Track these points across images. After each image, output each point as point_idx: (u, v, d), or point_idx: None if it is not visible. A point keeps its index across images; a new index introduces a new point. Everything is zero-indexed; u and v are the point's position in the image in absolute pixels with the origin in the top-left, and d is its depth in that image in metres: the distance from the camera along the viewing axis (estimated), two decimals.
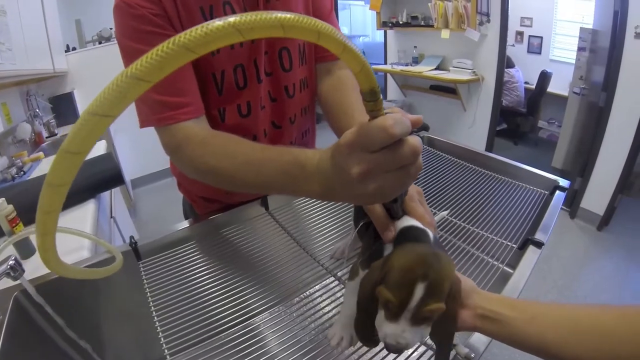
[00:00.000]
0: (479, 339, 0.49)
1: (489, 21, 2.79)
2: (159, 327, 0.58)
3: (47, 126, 2.56)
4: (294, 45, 0.73)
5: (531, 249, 0.69)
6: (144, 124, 0.62)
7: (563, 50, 3.74)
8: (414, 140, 0.32)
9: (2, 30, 1.51)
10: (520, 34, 4.07)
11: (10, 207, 0.93)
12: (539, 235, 0.72)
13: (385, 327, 0.37)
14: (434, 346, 0.49)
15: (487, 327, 0.38)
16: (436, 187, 0.95)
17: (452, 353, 0.47)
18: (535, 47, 4.00)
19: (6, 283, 0.71)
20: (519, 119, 3.98)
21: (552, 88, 3.75)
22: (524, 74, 3.94)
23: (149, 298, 0.64)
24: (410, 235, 0.41)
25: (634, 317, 0.32)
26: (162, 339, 0.55)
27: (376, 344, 0.45)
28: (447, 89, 3.34)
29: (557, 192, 0.91)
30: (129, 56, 0.60)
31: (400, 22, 3.54)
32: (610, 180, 2.24)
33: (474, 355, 0.46)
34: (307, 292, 0.70)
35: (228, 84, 0.67)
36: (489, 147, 3.16)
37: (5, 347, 0.60)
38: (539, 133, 4.04)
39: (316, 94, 0.82)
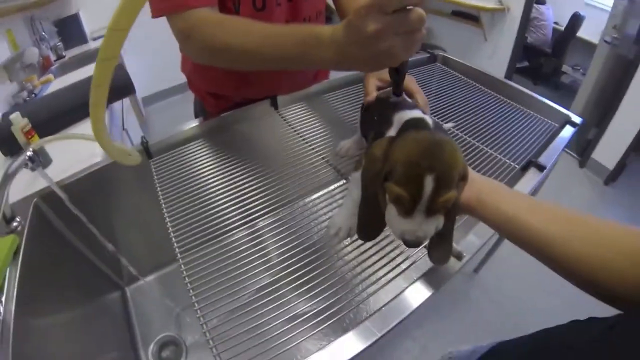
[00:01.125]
0: (471, 243, 0.52)
1: None
2: (170, 227, 0.61)
3: (55, 49, 2.51)
4: None
5: (532, 171, 0.70)
6: (157, 12, 0.62)
7: None
8: (420, 10, 0.38)
9: None
10: None
11: (25, 120, 0.96)
12: (542, 160, 0.73)
13: (401, 224, 0.37)
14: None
15: (486, 213, 0.39)
16: (446, 102, 0.95)
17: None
18: None
19: (25, 191, 0.76)
20: (542, 59, 3.74)
21: (582, 33, 3.49)
22: (555, 13, 3.64)
23: (160, 196, 0.67)
24: (411, 125, 0.42)
25: (625, 231, 0.34)
26: (173, 238, 0.59)
27: (373, 239, 0.47)
28: (469, 16, 3.15)
29: (567, 126, 0.90)
30: None
31: None
32: (625, 136, 2.17)
33: (466, 254, 0.49)
34: (315, 196, 0.71)
35: None
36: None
37: (27, 250, 0.64)
38: (561, 77, 3.84)
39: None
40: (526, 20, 2.76)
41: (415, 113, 0.45)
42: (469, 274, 1.63)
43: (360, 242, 0.53)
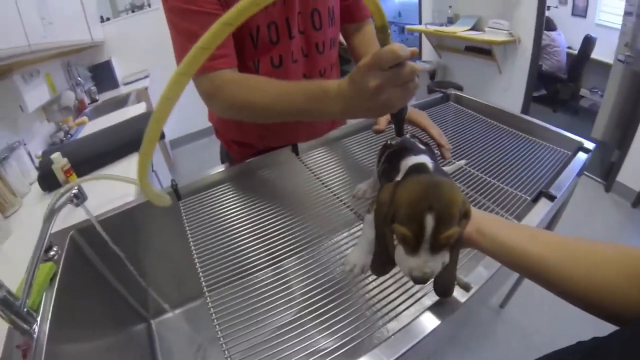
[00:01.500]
0: (479, 274, 0.53)
1: None
2: (198, 264, 0.65)
3: (89, 93, 2.72)
4: (324, 8, 0.80)
5: (543, 201, 0.71)
6: None
7: (610, 15, 3.42)
8: (413, 64, 0.44)
9: (43, 6, 1.60)
10: None
11: (65, 159, 1.05)
12: (553, 190, 0.74)
13: (408, 262, 0.40)
14: None
15: (486, 243, 0.41)
16: (459, 139, 0.97)
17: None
18: (581, 9, 3.68)
19: (63, 224, 0.83)
20: (559, 85, 3.74)
21: (596, 54, 3.48)
22: (566, 38, 3.67)
23: (189, 235, 0.72)
24: (414, 170, 0.45)
25: (624, 248, 0.35)
26: (200, 274, 0.62)
27: (384, 274, 0.49)
28: (482, 51, 3.20)
29: (580, 152, 0.91)
30: (172, 12, 0.68)
31: None
32: None
33: (473, 285, 0.51)
34: (336, 238, 0.72)
35: (262, 39, 0.75)
36: (525, 111, 3.02)
37: (62, 278, 0.71)
38: (580, 102, 3.80)
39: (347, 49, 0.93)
40: (538, 49, 2.79)
41: (419, 159, 0.48)
42: (495, 309, 1.59)
43: (380, 278, 0.56)
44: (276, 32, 0.76)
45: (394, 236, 0.41)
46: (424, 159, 0.48)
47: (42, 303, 0.64)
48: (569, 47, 3.71)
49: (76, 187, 0.64)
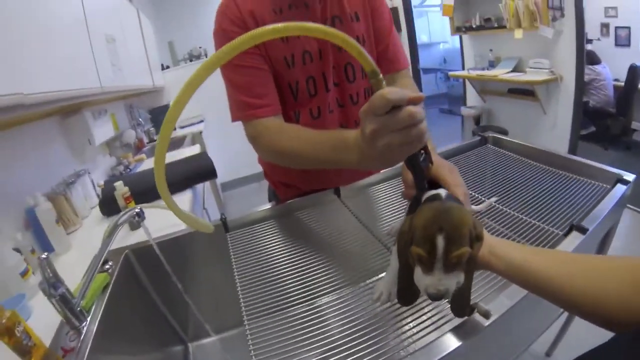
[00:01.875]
0: (500, 303, 0.54)
1: (562, 16, 2.60)
2: (240, 293, 0.70)
3: (147, 133, 3.01)
4: (357, 62, 0.86)
5: (574, 234, 0.70)
6: (234, 119, 0.82)
7: None
8: (413, 107, 0.42)
9: (113, 54, 1.86)
10: (605, 25, 3.68)
11: (126, 188, 1.18)
12: (586, 223, 0.73)
13: (424, 280, 0.43)
14: None
15: (498, 264, 0.43)
16: (492, 180, 0.99)
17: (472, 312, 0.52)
18: (623, 38, 3.57)
19: (120, 243, 0.93)
20: (608, 121, 3.55)
21: None
22: (612, 70, 3.55)
23: (234, 265, 0.78)
24: (428, 200, 0.49)
25: (631, 258, 0.37)
26: (242, 303, 0.67)
27: (410, 303, 0.52)
28: (525, 92, 3.17)
29: (619, 184, 0.88)
30: (226, 68, 0.80)
31: (474, 26, 3.45)
32: None
33: (494, 313, 0.51)
34: (374, 278, 0.72)
35: (301, 92, 0.85)
36: (572, 150, 2.90)
37: (113, 290, 0.80)
38: (632, 136, 3.59)
39: None
40: (581, 85, 2.73)
41: (436, 191, 0.51)
42: (541, 358, 1.48)
43: (412, 317, 0.58)
44: (314, 86, 0.85)
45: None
46: (440, 191, 0.51)
47: (94, 307, 0.73)
48: (616, 80, 3.57)
49: (139, 207, 0.74)
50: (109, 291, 0.79)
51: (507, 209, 0.86)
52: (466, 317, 0.52)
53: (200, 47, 3.79)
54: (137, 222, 0.75)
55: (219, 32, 0.79)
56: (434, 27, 5.86)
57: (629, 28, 3.52)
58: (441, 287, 0.42)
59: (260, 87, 0.79)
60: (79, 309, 0.67)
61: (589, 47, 3.50)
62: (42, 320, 0.72)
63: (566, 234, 0.72)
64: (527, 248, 0.45)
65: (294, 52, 0.81)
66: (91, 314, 0.72)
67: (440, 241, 0.41)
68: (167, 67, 3.60)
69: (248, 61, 0.77)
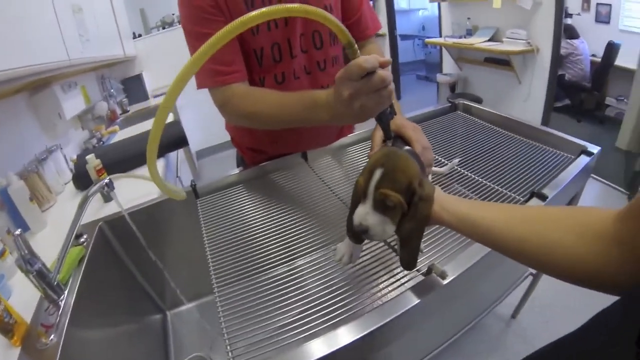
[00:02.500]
0: (458, 264, 0.57)
1: None
2: (210, 261, 0.70)
3: (120, 104, 2.91)
4: (325, 29, 0.88)
5: (534, 201, 0.73)
6: (200, 85, 0.82)
7: (634, 19, 3.34)
8: (383, 72, 0.49)
9: (81, 24, 1.76)
10: (586, 1, 3.70)
11: (98, 160, 1.16)
12: (547, 191, 0.76)
13: (357, 210, 0.47)
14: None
15: (450, 218, 0.46)
16: (460, 146, 1.01)
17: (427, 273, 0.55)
18: (604, 15, 3.59)
19: (94, 216, 0.92)
20: (583, 95, 3.64)
21: (621, 61, 3.36)
22: (590, 45, 3.59)
23: (204, 232, 0.79)
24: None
25: (575, 210, 0.38)
26: (212, 271, 0.68)
27: (358, 242, 0.55)
28: (501, 61, 3.19)
29: (582, 155, 0.92)
30: (190, 35, 0.79)
31: None
32: None
33: (450, 274, 0.54)
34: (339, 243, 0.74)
35: (266, 58, 0.84)
36: (545, 122, 2.96)
37: (89, 262, 0.80)
38: (605, 111, 3.69)
39: None
40: (557, 58, 2.76)
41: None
42: (506, 320, 1.56)
43: (380, 277, 0.61)
44: (279, 52, 0.84)
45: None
46: (404, 146, 0.54)
47: (70, 280, 0.73)
48: (593, 55, 3.62)
49: (107, 178, 0.73)
50: (84, 264, 0.79)
51: (472, 174, 0.89)
52: (424, 277, 0.56)
53: (173, 14, 3.61)
54: (107, 192, 0.74)
55: (184, 2, 0.77)
56: None
57: (610, 5, 3.53)
58: (365, 221, 0.46)
59: (227, 54, 0.78)
60: (55, 282, 0.68)
61: (568, 21, 3.52)
62: (22, 298, 0.73)
63: (526, 201, 0.76)
64: (476, 202, 0.47)
65: None
66: (68, 287, 0.73)
67: (376, 174, 0.45)
68: (139, 35, 3.43)
69: (215, 28, 0.74)
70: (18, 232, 0.62)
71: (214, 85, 0.79)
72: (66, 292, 0.70)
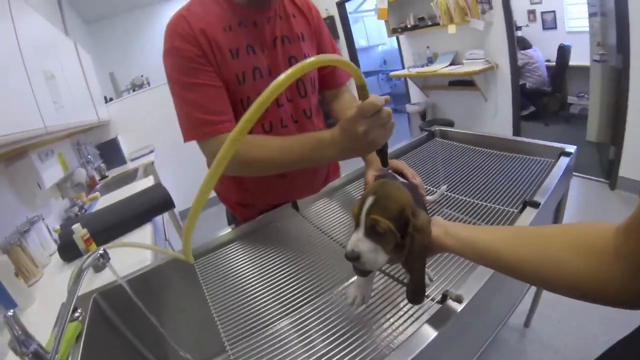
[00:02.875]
0: (470, 286, 0.56)
1: (491, 8, 2.79)
2: (217, 320, 0.68)
3: (99, 170, 2.86)
4: (307, 78, 0.92)
5: (528, 210, 0.75)
6: (189, 138, 0.80)
7: (578, 20, 3.62)
8: (387, 109, 0.58)
9: (54, 91, 1.76)
10: (532, 12, 3.99)
11: (85, 229, 1.12)
12: (538, 198, 0.77)
13: (351, 237, 0.48)
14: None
15: (454, 243, 0.47)
16: (443, 171, 1.03)
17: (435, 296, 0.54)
18: (550, 22, 3.90)
19: (85, 288, 0.88)
20: (545, 99, 3.86)
21: (574, 60, 3.62)
22: (543, 51, 3.85)
23: (206, 293, 0.76)
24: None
25: (571, 226, 0.39)
26: (220, 330, 0.66)
27: (367, 273, 0.55)
28: (465, 83, 3.34)
29: (562, 157, 0.95)
30: (177, 85, 0.78)
31: (409, 26, 3.60)
32: None
33: (465, 296, 0.54)
34: (347, 283, 0.73)
35: None
36: (516, 132, 3.08)
37: (87, 337, 0.75)
38: (569, 109, 3.90)
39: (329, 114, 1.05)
40: (516, 69, 2.92)
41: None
42: (520, 330, 1.55)
43: (390, 314, 0.59)
44: None
45: None
46: (399, 178, 0.55)
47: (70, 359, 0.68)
48: (547, 60, 3.87)
49: (102, 249, 0.70)
50: (82, 340, 0.73)
51: (462, 196, 0.91)
52: (440, 305, 0.55)
53: (142, 76, 3.68)
54: (102, 264, 0.71)
55: (171, 51, 0.78)
56: (370, 30, 6.01)
57: (554, 12, 3.84)
58: (356, 247, 0.46)
59: (218, 104, 0.79)
60: None
61: (519, 33, 3.78)
62: None
63: (521, 211, 0.77)
64: (478, 227, 0.47)
65: (244, 69, 0.81)
66: None
67: (368, 201, 0.46)
68: (111, 99, 3.46)
69: (203, 78, 0.77)
70: (10, 312, 0.58)
71: (205, 136, 0.78)
72: None
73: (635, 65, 2.07)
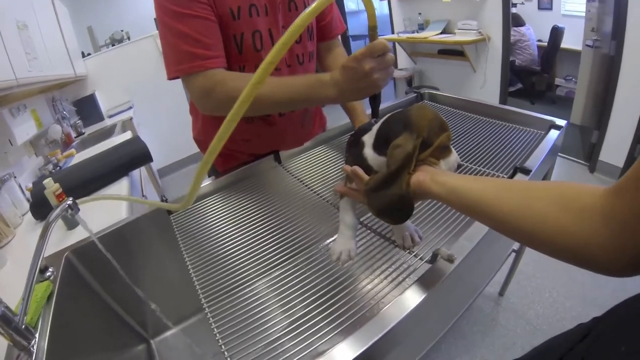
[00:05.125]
0: (462, 245, 0.56)
1: None
2: (194, 277, 0.65)
3: (75, 127, 2.73)
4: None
5: (519, 176, 0.74)
6: (175, 73, 0.74)
7: (574, 4, 3.59)
8: (391, 54, 0.61)
9: (27, 42, 1.64)
10: None
11: (57, 184, 1.06)
12: (528, 165, 0.77)
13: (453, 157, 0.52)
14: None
15: (439, 190, 0.45)
16: None
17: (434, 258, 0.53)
18: (546, 2, 3.85)
19: (58, 246, 0.84)
20: (534, 78, 3.86)
21: (566, 43, 3.61)
22: (536, 31, 3.81)
23: (182, 249, 0.73)
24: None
25: (563, 183, 0.37)
26: (198, 288, 0.62)
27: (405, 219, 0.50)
28: (455, 52, 3.31)
29: (552, 130, 0.95)
30: (169, 16, 0.71)
31: None
32: (627, 131, 2.17)
33: (457, 256, 0.53)
34: (330, 239, 0.70)
35: (247, 46, 0.80)
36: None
37: (59, 297, 0.72)
38: (556, 91, 3.92)
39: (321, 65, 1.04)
40: (508, 44, 2.90)
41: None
42: (495, 298, 1.60)
43: (373, 275, 0.57)
44: (260, 41, 0.81)
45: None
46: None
47: (40, 321, 0.64)
48: (539, 40, 3.84)
49: (70, 199, 0.65)
50: (54, 300, 0.70)
51: None
52: (430, 265, 0.54)
53: (122, 31, 3.46)
54: (71, 216, 0.66)
55: None
56: None
57: None
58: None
59: (209, 38, 0.73)
60: (23, 326, 0.59)
61: (513, 10, 3.71)
62: None
63: (511, 177, 0.76)
64: (467, 176, 0.46)
65: (240, 4, 0.76)
66: (39, 329, 0.63)
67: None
68: (88, 54, 3.25)
69: (197, 10, 0.71)
70: None
71: (193, 70, 0.72)
72: (37, 335, 0.62)
73: (627, 53, 2.07)
